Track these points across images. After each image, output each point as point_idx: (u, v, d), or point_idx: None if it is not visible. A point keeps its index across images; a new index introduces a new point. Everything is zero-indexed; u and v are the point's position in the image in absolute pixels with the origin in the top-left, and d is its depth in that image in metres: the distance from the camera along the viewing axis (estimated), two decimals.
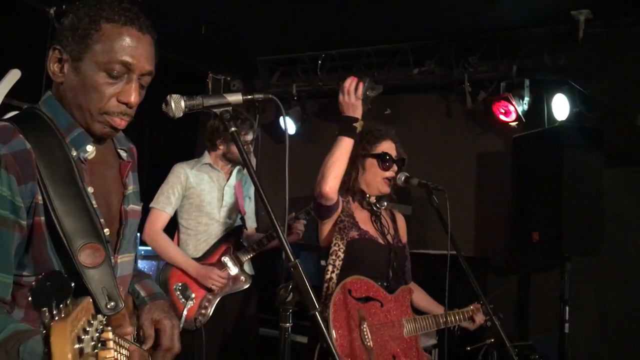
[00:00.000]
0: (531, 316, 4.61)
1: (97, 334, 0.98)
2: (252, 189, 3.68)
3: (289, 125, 5.49)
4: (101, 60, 1.38)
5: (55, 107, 1.45)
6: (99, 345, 0.99)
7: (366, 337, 2.52)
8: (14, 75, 4.06)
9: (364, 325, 2.53)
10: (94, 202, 1.44)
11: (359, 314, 2.55)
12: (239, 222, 3.58)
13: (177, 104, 1.57)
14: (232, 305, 3.49)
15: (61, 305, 0.93)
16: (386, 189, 2.79)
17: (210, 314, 3.37)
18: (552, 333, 4.09)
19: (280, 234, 1.58)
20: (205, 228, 3.49)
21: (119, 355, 1.32)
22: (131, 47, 1.40)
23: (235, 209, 3.57)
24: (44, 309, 0.91)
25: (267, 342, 3.90)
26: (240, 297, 3.51)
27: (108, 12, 1.41)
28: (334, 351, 1.54)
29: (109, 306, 1.35)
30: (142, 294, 1.67)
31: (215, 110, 1.63)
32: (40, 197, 1.35)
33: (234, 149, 3.44)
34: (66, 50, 1.41)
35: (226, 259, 3.46)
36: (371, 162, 2.78)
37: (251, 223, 3.71)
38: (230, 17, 4.54)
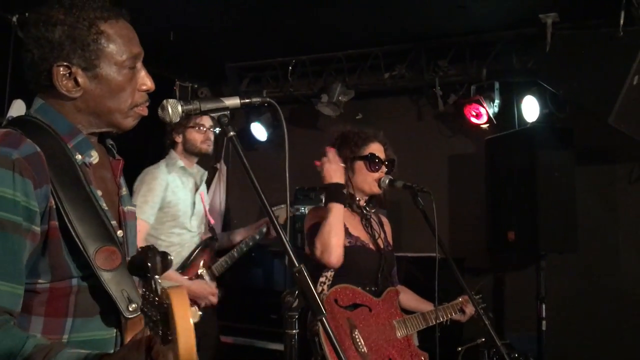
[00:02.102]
0: (507, 314, 4.67)
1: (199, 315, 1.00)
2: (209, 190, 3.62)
3: (260, 132, 5.45)
4: (120, 59, 1.42)
5: (52, 114, 1.43)
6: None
7: (359, 344, 2.50)
8: None
9: (356, 333, 2.52)
10: (104, 205, 1.42)
11: (349, 322, 2.54)
12: (209, 232, 3.51)
13: (174, 109, 1.54)
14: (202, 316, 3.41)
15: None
16: (377, 189, 2.77)
17: None
18: (529, 331, 4.15)
19: (284, 240, 1.56)
20: (179, 238, 3.36)
21: None
22: (133, 37, 1.47)
23: (203, 217, 3.50)
24: (156, 276, 0.96)
25: (267, 356, 3.86)
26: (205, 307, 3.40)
27: (97, 12, 1.41)
28: (341, 355, 1.52)
29: (130, 308, 1.34)
30: None
31: (212, 114, 1.61)
32: (53, 201, 1.32)
33: (190, 135, 3.37)
34: (73, 63, 1.38)
35: (203, 273, 3.37)
36: (360, 165, 2.76)
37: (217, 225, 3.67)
38: (197, 23, 4.48)
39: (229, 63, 5.40)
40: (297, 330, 1.58)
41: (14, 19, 4.20)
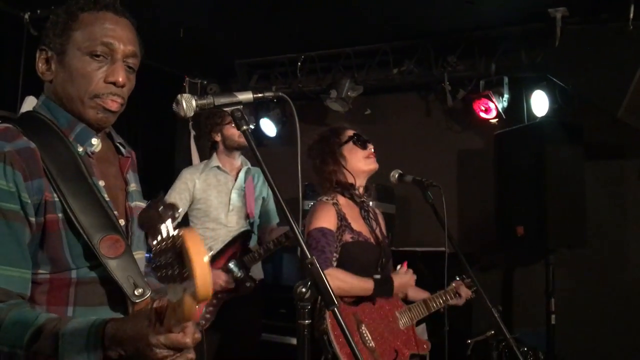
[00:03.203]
0: (516, 309, 4.68)
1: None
2: (266, 188, 3.67)
3: (270, 127, 5.47)
4: (82, 45, 1.42)
5: (53, 108, 1.47)
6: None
7: (367, 338, 2.53)
8: None
9: (362, 327, 2.54)
10: (105, 195, 1.45)
11: (355, 317, 2.56)
12: (247, 226, 3.57)
13: (189, 104, 1.56)
14: (236, 310, 3.45)
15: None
16: (374, 164, 2.80)
17: (213, 318, 3.34)
18: (538, 326, 4.16)
19: (296, 231, 1.58)
20: (212, 233, 3.49)
21: None
22: (110, 28, 1.44)
23: (244, 213, 3.56)
24: (170, 219, 0.98)
25: (269, 348, 3.89)
26: (244, 302, 3.47)
27: (83, 3, 1.45)
28: (354, 349, 1.55)
29: (136, 292, 1.37)
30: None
31: (226, 109, 1.63)
32: (52, 195, 1.35)
33: (227, 132, 3.49)
34: (50, 48, 1.44)
35: (232, 264, 3.43)
36: (348, 148, 2.80)
37: (272, 220, 3.72)
38: (207, 20, 4.51)
39: (238, 59, 5.44)
40: (310, 321, 1.60)
41: (26, 16, 4.25)
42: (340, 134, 2.84)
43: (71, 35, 1.42)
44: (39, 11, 4.24)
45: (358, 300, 2.63)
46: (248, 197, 3.56)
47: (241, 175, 3.58)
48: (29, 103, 4.04)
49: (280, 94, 1.72)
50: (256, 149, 1.65)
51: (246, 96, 1.65)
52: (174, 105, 1.57)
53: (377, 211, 3.04)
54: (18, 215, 1.31)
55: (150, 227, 1.07)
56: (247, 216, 3.56)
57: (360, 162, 2.78)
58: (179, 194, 3.49)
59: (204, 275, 0.94)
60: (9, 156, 1.30)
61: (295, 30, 4.75)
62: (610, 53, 3.45)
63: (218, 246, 3.47)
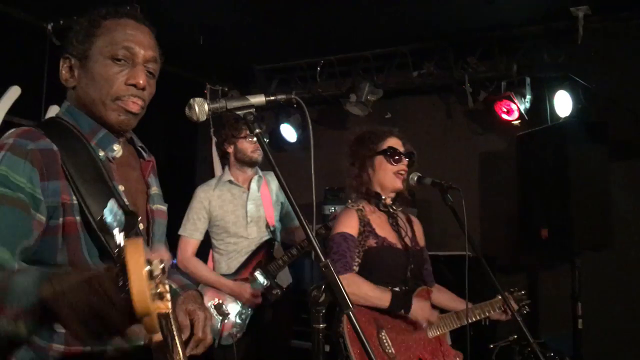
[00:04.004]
0: (542, 314, 4.59)
1: (161, 267, 0.99)
2: (282, 194, 3.67)
3: (290, 133, 5.48)
4: (105, 50, 1.46)
5: (76, 114, 1.50)
6: (163, 277, 1.00)
7: (386, 344, 2.48)
8: (14, 92, 4.06)
9: (383, 334, 2.50)
10: (125, 199, 1.46)
11: (376, 323, 2.51)
12: (268, 234, 3.58)
13: (201, 108, 1.56)
14: (265, 317, 3.49)
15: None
16: (399, 184, 2.74)
17: (245, 328, 3.39)
18: (565, 330, 4.07)
19: (309, 234, 1.56)
20: (235, 247, 3.52)
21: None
22: (131, 34, 1.49)
23: (263, 222, 3.57)
24: (116, 229, 0.92)
25: (298, 354, 3.88)
26: (273, 309, 3.51)
27: (105, 12, 1.51)
28: (369, 350, 1.52)
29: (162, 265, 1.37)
30: (174, 285, 1.68)
31: (238, 112, 1.62)
32: (72, 198, 1.37)
33: (241, 145, 3.50)
34: (73, 55, 1.49)
35: (257, 274, 3.47)
36: (379, 160, 2.74)
37: (292, 223, 3.71)
38: (227, 26, 4.54)
39: (257, 65, 5.46)
40: (325, 325, 1.58)
41: (49, 27, 4.34)
42: (378, 141, 2.76)
43: (94, 42, 1.47)
44: (61, 21, 4.32)
45: None
46: (265, 205, 3.58)
47: (253, 185, 3.57)
48: (53, 112, 4.11)
49: (293, 97, 1.72)
50: (270, 154, 1.64)
51: (259, 99, 1.64)
52: (186, 109, 1.57)
53: (415, 219, 2.99)
54: (27, 208, 1.31)
55: (106, 232, 1.04)
56: (267, 225, 3.57)
57: (386, 178, 2.73)
58: (196, 214, 3.51)
59: (140, 292, 0.91)
60: (31, 154, 1.34)
61: (314, 35, 4.75)
62: (633, 50, 3.39)
63: (241, 258, 3.50)
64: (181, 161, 5.61)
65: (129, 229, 0.96)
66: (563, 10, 4.06)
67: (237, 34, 4.70)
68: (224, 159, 3.65)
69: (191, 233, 3.50)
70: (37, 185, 1.34)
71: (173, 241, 3.31)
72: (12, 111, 4.04)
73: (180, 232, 3.51)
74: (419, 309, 2.57)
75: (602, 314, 4.21)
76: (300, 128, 5.48)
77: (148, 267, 0.93)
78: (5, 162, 1.32)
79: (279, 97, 1.68)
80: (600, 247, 4.01)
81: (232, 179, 3.56)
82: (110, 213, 0.92)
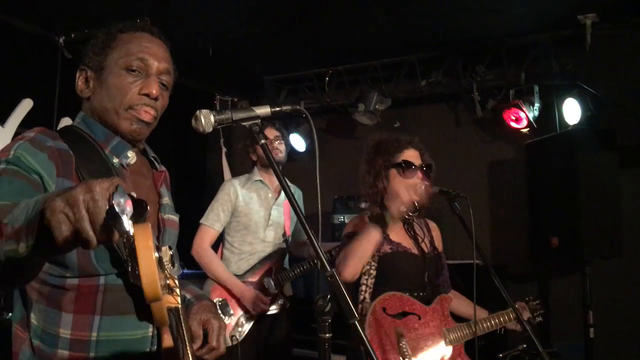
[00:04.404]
0: (554, 323, 4.56)
1: (170, 254, 0.98)
2: (301, 206, 3.68)
3: (299, 142, 5.50)
4: (120, 61, 1.51)
5: (91, 123, 1.54)
6: (173, 270, 1.01)
7: (406, 352, 2.46)
8: (26, 104, 4.12)
9: (403, 342, 2.48)
10: None
11: (397, 331, 2.50)
12: (283, 242, 3.59)
13: (207, 119, 1.58)
14: (268, 325, 3.49)
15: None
16: (414, 197, 2.73)
17: (246, 332, 3.37)
18: (576, 339, 4.04)
19: (315, 243, 1.57)
20: (250, 247, 3.51)
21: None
22: (146, 46, 1.54)
23: (281, 229, 3.59)
24: (125, 216, 0.93)
25: None
26: (276, 317, 3.50)
27: (122, 26, 1.56)
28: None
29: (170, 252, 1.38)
30: (188, 296, 1.70)
31: (244, 123, 1.64)
32: None
33: (259, 151, 3.52)
34: (89, 67, 1.54)
35: (268, 281, 3.46)
36: (394, 172, 2.74)
37: (303, 237, 3.70)
38: (235, 38, 4.58)
39: (266, 76, 5.49)
40: (331, 334, 1.59)
41: (61, 40, 4.39)
42: (395, 152, 2.76)
43: (109, 53, 1.52)
44: (73, 35, 4.38)
45: (403, 313, 2.57)
46: (286, 215, 3.59)
47: (283, 194, 3.57)
48: (65, 124, 4.16)
49: (298, 107, 1.73)
50: (273, 162, 1.65)
51: (264, 110, 1.65)
52: (192, 121, 1.59)
53: (433, 225, 2.98)
54: (38, 184, 1.32)
55: (113, 217, 1.04)
56: (285, 233, 3.59)
57: (399, 191, 2.72)
58: (222, 205, 3.48)
59: (149, 275, 0.91)
60: (49, 150, 1.38)
61: (322, 46, 4.78)
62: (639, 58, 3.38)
63: (253, 261, 3.49)
64: (191, 172, 5.64)
65: (138, 217, 0.97)
66: (571, 18, 4.06)
67: (247, 45, 4.74)
68: (253, 165, 3.65)
69: (212, 223, 3.45)
70: (53, 178, 1.36)
71: (183, 252, 3.33)
72: (24, 123, 4.09)
73: (202, 220, 3.46)
74: (394, 206, 2.62)
75: (613, 322, 4.18)
76: (309, 138, 5.49)
77: (157, 254, 0.94)
78: (22, 148, 1.34)
79: (285, 107, 1.69)
80: (610, 256, 3.98)
81: (262, 179, 3.56)
82: (119, 198, 0.92)
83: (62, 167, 1.39)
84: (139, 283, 0.92)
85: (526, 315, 2.83)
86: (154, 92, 1.51)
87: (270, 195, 3.56)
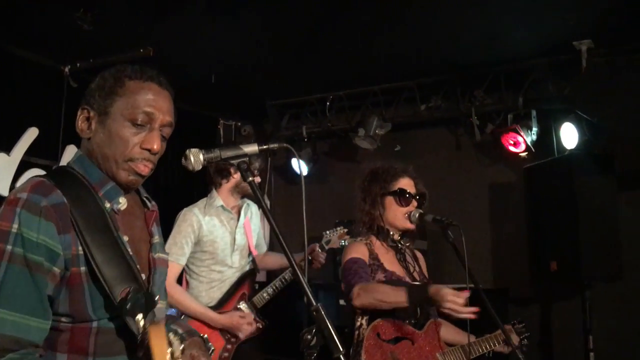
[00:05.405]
0: (555, 346, 4.55)
1: (181, 346, 1.03)
2: (257, 220, 3.65)
3: (301, 166, 5.54)
4: (126, 112, 1.51)
5: (87, 164, 1.56)
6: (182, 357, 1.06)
7: None
8: (32, 133, 4.20)
9: None
10: (129, 249, 1.52)
11: (392, 356, 2.53)
12: (249, 263, 3.57)
13: (196, 158, 1.62)
14: (245, 351, 3.45)
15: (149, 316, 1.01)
16: (409, 225, 2.79)
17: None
18: None
19: (302, 280, 1.60)
20: (219, 275, 3.43)
21: None
22: (152, 99, 1.54)
23: (246, 251, 3.55)
24: (139, 315, 0.98)
25: None
26: (251, 341, 3.47)
27: (130, 72, 1.56)
28: None
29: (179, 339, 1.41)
30: (180, 330, 1.72)
31: (232, 161, 1.69)
32: (78, 248, 1.43)
33: (239, 181, 3.42)
34: (93, 108, 1.54)
35: (243, 306, 3.45)
36: (390, 200, 2.80)
37: (261, 249, 3.70)
38: (238, 64, 4.65)
39: (269, 101, 5.57)
40: None
41: (66, 69, 4.49)
42: (391, 180, 2.82)
43: (116, 100, 1.52)
44: (78, 64, 4.48)
45: (397, 339, 2.61)
46: (248, 234, 3.55)
47: (242, 214, 3.54)
48: (70, 152, 4.24)
49: (285, 144, 1.77)
50: (261, 198, 1.69)
51: (252, 148, 1.70)
52: (182, 160, 1.64)
53: (419, 255, 3.03)
54: (41, 267, 1.38)
55: (127, 315, 1.12)
56: (250, 253, 3.56)
57: (395, 219, 2.79)
58: (185, 238, 3.32)
59: None
60: (45, 210, 1.40)
61: (324, 71, 4.86)
62: (635, 84, 3.41)
63: (225, 288, 3.43)
64: (195, 196, 5.68)
65: (149, 309, 1.04)
66: (567, 44, 4.10)
67: (250, 70, 4.82)
68: (217, 180, 3.47)
69: (177, 258, 3.27)
70: (56, 240, 1.39)
71: None
72: (30, 151, 4.17)
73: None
74: (436, 290, 2.51)
75: (614, 347, 4.16)
76: (311, 162, 5.55)
77: (170, 349, 0.99)
78: (19, 220, 1.38)
79: (272, 145, 1.74)
80: (610, 279, 3.99)
81: (223, 204, 3.43)
82: (133, 299, 1.01)
83: (61, 222, 1.41)
84: None
85: (514, 338, 2.87)
86: (155, 147, 1.53)
87: (231, 219, 3.48)
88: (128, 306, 1.00)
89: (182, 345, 1.04)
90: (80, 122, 1.56)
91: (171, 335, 1.06)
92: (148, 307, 1.02)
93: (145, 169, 1.55)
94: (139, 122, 1.51)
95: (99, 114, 1.53)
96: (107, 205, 1.53)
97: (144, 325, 1.00)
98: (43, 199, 1.41)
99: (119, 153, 1.52)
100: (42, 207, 1.40)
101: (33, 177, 1.51)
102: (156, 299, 1.57)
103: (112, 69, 1.58)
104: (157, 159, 1.59)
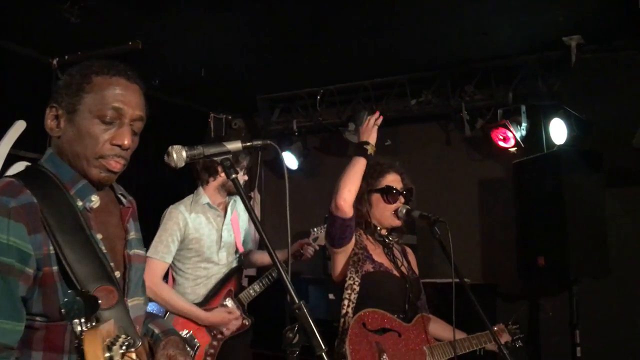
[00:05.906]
0: (543, 341, 4.58)
1: (124, 350, 1.03)
2: (245, 217, 3.64)
3: (292, 160, 5.54)
4: (94, 108, 1.49)
5: (58, 163, 1.54)
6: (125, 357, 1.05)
7: None
8: (19, 126, 4.16)
9: (384, 357, 2.53)
10: (103, 247, 1.51)
11: (377, 346, 2.55)
12: (236, 260, 3.57)
13: (179, 155, 1.63)
14: (232, 346, 3.45)
15: (90, 320, 1.01)
16: (396, 222, 2.82)
17: (216, 358, 3.36)
18: (564, 358, 4.06)
19: (284, 277, 1.61)
20: (205, 272, 3.42)
21: None
22: (121, 94, 1.52)
23: (233, 248, 3.55)
24: (76, 320, 0.97)
25: None
26: (237, 337, 3.48)
27: (97, 67, 1.53)
28: None
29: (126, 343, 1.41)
30: (156, 330, 1.72)
31: (216, 158, 1.69)
32: (49, 248, 1.41)
33: (225, 180, 3.40)
34: (61, 106, 1.52)
35: (229, 303, 3.45)
36: (377, 197, 2.82)
37: (249, 246, 3.72)
38: (229, 58, 4.63)
39: (260, 95, 5.55)
40: None
41: (54, 62, 4.46)
42: (377, 177, 2.84)
43: (83, 97, 1.49)
44: (66, 57, 4.44)
45: (383, 330, 2.62)
46: (235, 231, 3.54)
47: (229, 210, 3.52)
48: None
49: (268, 141, 1.77)
50: (245, 196, 1.70)
51: (235, 145, 1.71)
52: (165, 157, 1.64)
53: (409, 250, 3.05)
54: (13, 269, 1.37)
55: (70, 319, 1.12)
56: (237, 251, 3.55)
57: (383, 217, 2.83)
58: (171, 236, 3.30)
59: None
60: (14, 212, 1.38)
61: (315, 66, 4.84)
62: (624, 80, 3.42)
63: (210, 285, 3.42)
64: (186, 193, 5.68)
65: (90, 313, 1.03)
66: (557, 40, 4.11)
67: (240, 65, 4.80)
68: (201, 181, 3.45)
69: (163, 256, 3.27)
70: (27, 240, 1.38)
71: None
72: (17, 145, 4.14)
73: (151, 254, 3.20)
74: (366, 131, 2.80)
75: (600, 342, 4.19)
76: (302, 156, 5.54)
77: (108, 354, 0.98)
78: None
79: (255, 142, 1.74)
80: (597, 275, 4.01)
81: (209, 201, 3.42)
82: (68, 304, 1.00)
83: (31, 223, 1.39)
84: None
85: (505, 338, 2.88)
86: (126, 143, 1.51)
87: (218, 216, 3.46)
88: (63, 312, 1.00)
89: (127, 343, 1.03)
90: (49, 120, 1.54)
91: (121, 339, 1.06)
92: (88, 311, 1.02)
93: (117, 165, 1.53)
94: (108, 118, 1.49)
95: (67, 112, 1.51)
96: (80, 203, 1.51)
97: (80, 331, 1.00)
98: (11, 200, 1.39)
99: (90, 150, 1.50)
100: (11, 209, 1.38)
101: (2, 178, 1.49)
102: (127, 298, 1.56)
103: (79, 65, 1.56)
104: (130, 154, 1.57)
